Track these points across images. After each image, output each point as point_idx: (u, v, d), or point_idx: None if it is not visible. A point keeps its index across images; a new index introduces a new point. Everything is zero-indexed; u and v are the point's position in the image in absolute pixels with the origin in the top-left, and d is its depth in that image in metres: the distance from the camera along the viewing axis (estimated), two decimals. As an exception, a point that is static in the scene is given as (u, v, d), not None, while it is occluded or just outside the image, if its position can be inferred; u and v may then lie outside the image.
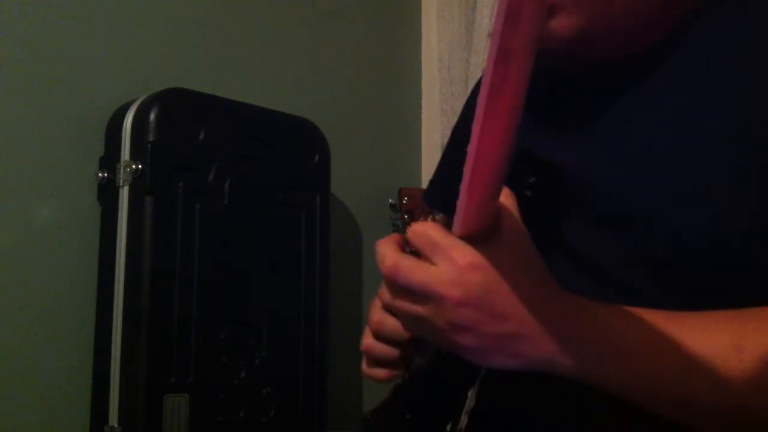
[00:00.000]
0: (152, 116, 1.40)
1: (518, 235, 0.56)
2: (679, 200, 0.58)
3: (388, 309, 0.71)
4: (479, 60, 1.90)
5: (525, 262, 0.55)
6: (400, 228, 1.87)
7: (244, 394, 1.46)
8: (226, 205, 1.48)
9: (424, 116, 2.14)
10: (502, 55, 0.42)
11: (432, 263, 0.55)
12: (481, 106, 0.45)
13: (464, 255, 0.53)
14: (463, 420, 0.65)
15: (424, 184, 1.00)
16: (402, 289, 0.57)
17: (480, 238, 0.54)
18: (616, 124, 0.64)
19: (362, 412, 1.84)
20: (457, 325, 0.54)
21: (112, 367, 1.37)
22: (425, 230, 0.56)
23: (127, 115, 1.43)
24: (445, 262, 0.54)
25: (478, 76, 1.87)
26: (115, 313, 1.38)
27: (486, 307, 0.54)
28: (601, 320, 0.55)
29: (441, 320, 0.55)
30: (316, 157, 1.66)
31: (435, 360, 0.66)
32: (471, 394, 0.66)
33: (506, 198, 0.56)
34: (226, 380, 1.44)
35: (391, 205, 1.90)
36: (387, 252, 0.58)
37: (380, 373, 0.72)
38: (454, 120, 1.47)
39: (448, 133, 1.62)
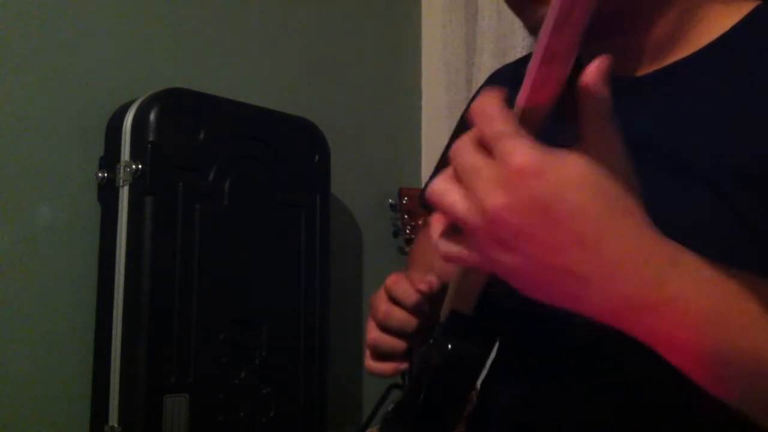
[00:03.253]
0: (152, 116, 1.40)
1: (609, 140, 0.47)
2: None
3: (394, 300, 0.71)
4: (481, 61, 1.90)
5: (606, 173, 0.44)
6: (400, 228, 1.87)
7: (244, 394, 1.46)
8: (226, 205, 1.48)
9: (424, 116, 2.14)
10: (547, 58, 0.43)
11: (489, 154, 0.44)
12: (521, 101, 0.46)
13: (521, 155, 0.43)
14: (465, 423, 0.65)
15: (424, 184, 1.00)
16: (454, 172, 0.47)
17: (545, 117, 0.46)
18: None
19: (362, 412, 1.84)
20: (496, 238, 0.44)
21: (112, 367, 1.36)
22: (487, 108, 0.45)
23: (127, 115, 1.43)
24: (497, 159, 0.44)
25: (481, 76, 1.88)
26: (115, 313, 1.38)
27: (536, 227, 0.43)
28: (698, 268, 0.45)
29: (482, 231, 0.44)
30: (316, 157, 1.66)
31: (446, 357, 0.65)
32: (473, 395, 0.66)
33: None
34: (226, 380, 1.44)
35: (391, 205, 1.90)
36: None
37: (386, 367, 0.72)
38: (454, 120, 1.47)
39: (448, 133, 1.62)
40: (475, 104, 0.46)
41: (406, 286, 0.71)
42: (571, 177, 0.43)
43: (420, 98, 2.14)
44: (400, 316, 0.69)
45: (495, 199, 0.43)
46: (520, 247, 0.44)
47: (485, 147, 0.45)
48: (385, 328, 0.71)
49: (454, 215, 0.45)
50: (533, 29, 0.67)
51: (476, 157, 0.44)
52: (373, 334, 0.72)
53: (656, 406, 0.61)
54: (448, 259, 0.48)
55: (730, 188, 0.56)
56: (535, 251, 0.43)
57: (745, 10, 0.62)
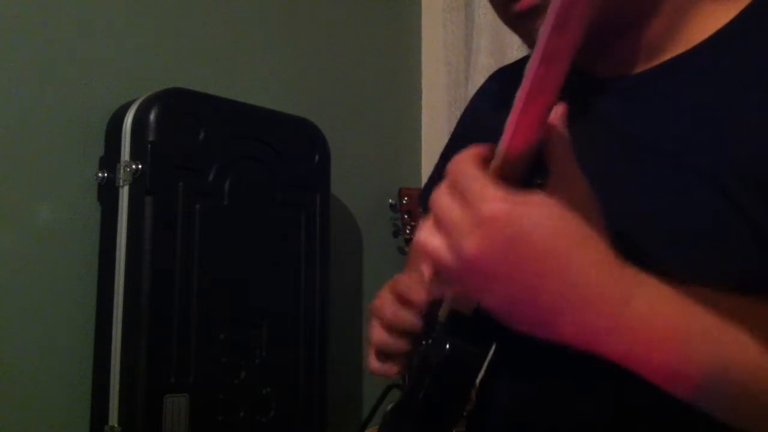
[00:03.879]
0: (152, 116, 1.40)
1: (575, 180, 0.51)
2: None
3: (401, 297, 0.71)
4: (477, 60, 1.90)
5: (565, 214, 0.47)
6: (400, 228, 1.87)
7: (244, 394, 1.46)
8: (226, 205, 1.48)
9: (424, 116, 2.14)
10: (546, 57, 0.45)
11: (462, 206, 0.48)
12: (519, 104, 0.47)
13: (490, 204, 0.46)
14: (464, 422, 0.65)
15: (424, 184, 1.00)
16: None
17: (525, 167, 0.49)
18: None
19: (362, 412, 1.84)
20: (475, 282, 0.48)
21: (112, 367, 1.36)
22: (459, 162, 0.50)
23: (127, 115, 1.43)
24: (469, 209, 0.47)
25: (478, 76, 1.88)
26: (115, 313, 1.38)
27: (507, 268, 0.46)
28: (663, 303, 0.48)
29: (462, 275, 0.49)
30: (316, 157, 1.66)
31: (444, 357, 0.65)
32: (472, 394, 0.66)
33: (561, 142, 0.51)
34: (226, 380, 1.44)
35: (391, 205, 1.90)
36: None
37: (392, 369, 0.72)
38: (454, 120, 1.47)
39: (448, 133, 1.62)
40: (452, 161, 0.50)
41: (419, 289, 0.71)
42: (538, 219, 0.46)
43: (420, 98, 2.14)
44: (409, 318, 0.70)
45: (469, 245, 0.46)
46: (494, 287, 0.48)
47: (459, 196, 0.48)
48: (392, 330, 0.71)
49: (437, 262, 0.49)
50: (531, 42, 0.68)
51: (452, 206, 0.48)
52: (380, 336, 0.71)
53: (655, 407, 0.61)
54: (438, 293, 0.55)
55: (731, 187, 0.56)
56: (508, 290, 0.47)
57: (740, 5, 0.62)
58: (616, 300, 0.46)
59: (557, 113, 0.51)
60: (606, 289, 0.46)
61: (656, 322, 0.47)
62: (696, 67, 0.62)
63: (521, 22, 0.67)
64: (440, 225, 0.49)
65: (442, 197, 0.50)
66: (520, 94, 0.47)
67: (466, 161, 0.49)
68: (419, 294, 0.70)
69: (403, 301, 0.70)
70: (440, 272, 0.51)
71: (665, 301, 0.48)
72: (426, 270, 0.53)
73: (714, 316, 0.48)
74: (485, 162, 0.50)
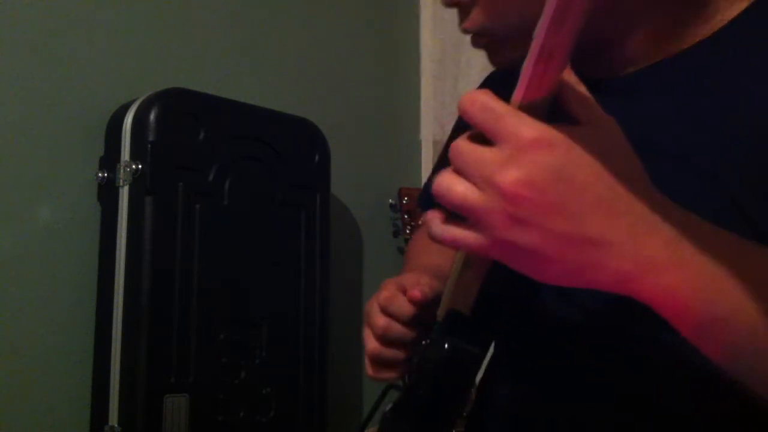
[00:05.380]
0: (152, 116, 1.40)
1: (604, 120, 0.47)
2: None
3: (385, 311, 0.71)
4: (471, 58, 1.90)
5: (612, 148, 0.45)
6: (400, 228, 1.87)
7: (244, 394, 1.46)
8: (226, 205, 1.48)
9: (423, 116, 2.13)
10: (544, 53, 0.43)
11: (491, 142, 0.44)
12: (518, 98, 0.46)
13: (529, 129, 0.43)
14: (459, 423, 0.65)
15: (424, 184, 1.00)
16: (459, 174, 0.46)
17: (542, 112, 0.46)
18: None
19: (362, 412, 1.84)
20: (514, 218, 0.43)
21: (112, 367, 1.36)
22: (482, 98, 0.45)
23: (127, 115, 1.43)
24: (504, 139, 0.43)
25: (470, 72, 1.88)
26: (115, 313, 1.38)
27: (555, 198, 0.42)
28: (711, 234, 0.46)
29: (497, 213, 0.43)
30: (316, 157, 1.66)
31: (443, 357, 0.65)
32: (470, 394, 0.66)
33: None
34: (226, 380, 1.44)
35: (391, 205, 1.89)
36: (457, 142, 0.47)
37: (389, 375, 0.72)
38: (453, 119, 1.47)
39: (447, 133, 1.62)
40: (467, 98, 0.45)
41: (400, 302, 0.70)
42: (582, 145, 0.43)
43: (420, 98, 2.14)
44: (399, 330, 0.70)
45: (510, 176, 0.42)
46: (539, 221, 0.43)
47: (485, 140, 0.44)
48: (384, 340, 0.71)
49: (465, 204, 0.44)
50: (499, 66, 0.69)
51: (478, 149, 0.44)
52: (372, 346, 0.71)
53: (654, 407, 0.61)
54: (455, 245, 0.47)
55: (731, 186, 0.56)
56: (555, 224, 0.43)
57: (743, 4, 0.61)
58: (666, 236, 0.44)
59: (570, 71, 0.48)
60: (656, 223, 0.44)
61: (701, 264, 0.44)
62: (694, 65, 0.62)
63: (493, 49, 0.67)
64: (467, 170, 0.44)
65: (463, 143, 0.45)
66: (518, 91, 0.46)
67: (483, 95, 0.45)
68: (407, 310, 0.70)
69: (393, 316, 0.70)
70: (465, 220, 0.45)
71: (711, 244, 0.45)
72: (434, 219, 0.47)
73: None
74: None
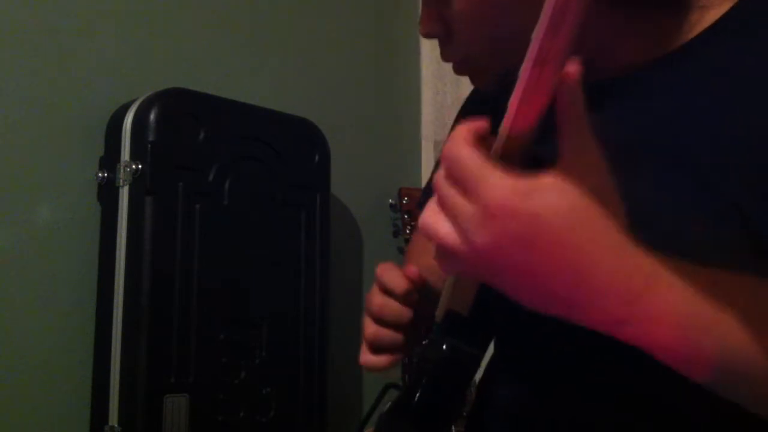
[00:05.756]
0: (152, 116, 1.40)
1: (588, 155, 0.48)
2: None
3: (386, 292, 0.71)
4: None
5: (578, 198, 0.45)
6: (400, 228, 1.87)
7: (244, 394, 1.46)
8: (226, 205, 1.48)
9: (423, 116, 2.13)
10: (539, 60, 0.44)
11: (468, 195, 0.46)
12: (513, 105, 0.47)
13: (496, 192, 0.44)
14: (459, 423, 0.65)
15: (424, 184, 1.00)
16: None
17: (528, 145, 0.47)
18: None
19: (361, 412, 1.84)
20: (487, 272, 0.47)
21: (112, 367, 1.37)
22: (456, 153, 0.47)
23: (127, 115, 1.43)
24: (474, 199, 0.45)
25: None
26: (115, 313, 1.38)
27: (521, 263, 0.45)
28: (686, 288, 0.47)
29: (472, 262, 0.47)
30: (316, 157, 1.66)
31: (441, 358, 0.66)
32: (468, 395, 0.66)
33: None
34: (226, 380, 1.44)
35: (391, 205, 1.89)
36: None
37: (382, 359, 0.72)
38: (453, 119, 1.47)
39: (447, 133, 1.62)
40: (444, 150, 0.48)
41: (395, 273, 0.72)
42: (548, 207, 0.44)
43: (420, 98, 2.14)
44: (395, 308, 0.70)
45: (479, 237, 0.45)
46: (507, 277, 0.46)
47: (460, 183, 0.47)
48: (381, 322, 0.71)
49: (445, 247, 0.47)
50: (484, 88, 0.70)
51: (455, 195, 0.47)
52: (371, 328, 0.72)
53: (654, 407, 0.61)
54: (448, 273, 0.52)
55: (730, 186, 0.56)
56: (522, 281, 0.46)
57: (726, 5, 0.61)
58: (630, 292, 0.45)
59: (572, 71, 0.48)
60: (620, 282, 0.45)
61: (670, 312, 0.46)
62: (687, 63, 0.61)
63: (477, 76, 0.70)
64: (445, 209, 0.47)
65: (442, 182, 0.48)
66: (515, 96, 0.47)
67: (460, 143, 0.47)
68: (402, 283, 0.71)
69: (388, 292, 0.71)
70: (449, 255, 0.49)
71: (678, 292, 0.47)
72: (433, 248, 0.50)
73: (719, 302, 0.48)
74: (482, 139, 0.48)
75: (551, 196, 0.44)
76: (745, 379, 0.49)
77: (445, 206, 0.47)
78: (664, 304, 0.46)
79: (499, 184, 0.44)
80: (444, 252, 0.49)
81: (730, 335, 0.47)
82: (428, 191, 0.96)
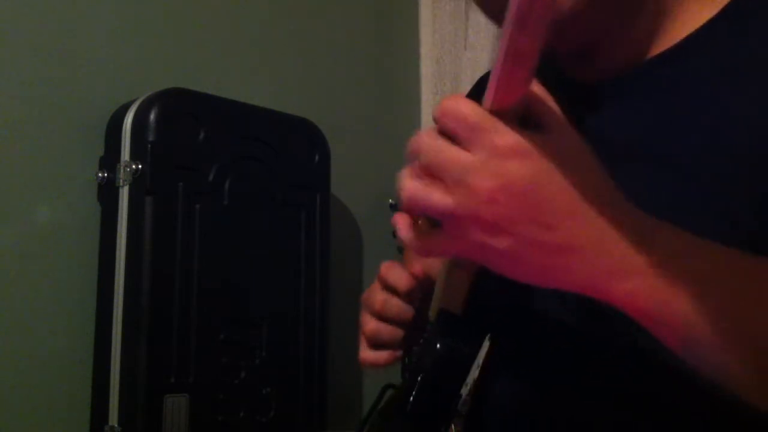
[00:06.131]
0: (152, 116, 1.40)
1: (567, 128, 0.47)
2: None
3: (388, 288, 0.71)
4: (474, 56, 1.90)
5: (578, 158, 0.46)
6: (400, 228, 1.86)
7: (244, 394, 1.46)
8: (226, 205, 1.48)
9: (423, 116, 2.13)
10: (510, 57, 0.44)
11: (465, 148, 0.45)
12: (488, 102, 0.46)
13: (504, 137, 0.44)
14: (457, 422, 0.65)
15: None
16: (428, 171, 0.46)
17: (514, 119, 0.46)
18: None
19: (362, 412, 1.84)
20: (489, 223, 0.44)
21: (112, 367, 1.36)
22: (456, 106, 0.45)
23: (127, 115, 1.43)
24: (479, 146, 0.44)
25: (469, 73, 1.88)
26: (115, 313, 1.38)
27: (528, 206, 0.44)
28: (675, 239, 0.48)
29: (471, 219, 0.45)
30: (316, 157, 1.66)
31: (436, 357, 0.66)
32: (464, 394, 0.66)
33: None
34: (226, 380, 1.44)
35: (391, 205, 1.89)
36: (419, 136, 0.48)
37: (382, 356, 0.72)
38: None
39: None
40: (441, 106, 0.46)
41: (399, 271, 0.72)
42: (556, 155, 0.44)
43: (420, 98, 2.14)
44: (397, 305, 0.70)
45: (486, 183, 0.43)
46: (512, 228, 0.44)
47: (466, 133, 0.45)
48: (382, 318, 0.71)
49: (438, 210, 0.45)
50: (493, 17, 0.67)
51: (452, 149, 0.45)
52: (371, 324, 0.72)
53: (652, 405, 0.61)
54: (427, 253, 0.49)
55: (717, 186, 0.56)
56: (527, 230, 0.44)
57: (723, 1, 0.61)
58: (636, 241, 0.45)
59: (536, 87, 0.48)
60: (627, 229, 0.45)
61: (673, 266, 0.46)
62: (678, 64, 0.61)
63: None
64: (438, 169, 0.45)
65: (432, 142, 0.46)
66: (487, 94, 0.46)
67: (458, 99, 0.46)
68: (406, 280, 0.71)
69: (390, 288, 0.71)
70: (444, 227, 0.46)
71: (682, 249, 0.47)
72: (403, 226, 0.48)
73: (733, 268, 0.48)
74: None
75: (554, 146, 0.45)
76: (719, 349, 0.48)
77: (438, 166, 0.45)
78: (672, 254, 0.46)
79: (506, 131, 0.44)
80: (437, 223, 0.47)
81: (706, 303, 0.47)
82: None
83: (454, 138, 0.45)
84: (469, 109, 0.45)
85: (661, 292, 0.46)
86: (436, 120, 0.47)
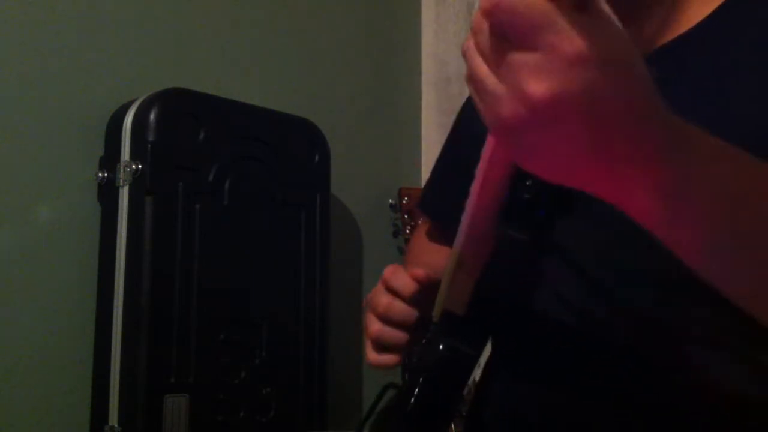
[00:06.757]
0: (152, 116, 1.40)
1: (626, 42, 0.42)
2: None
3: (388, 286, 0.71)
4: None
5: (638, 56, 0.42)
6: (400, 228, 1.87)
7: (244, 394, 1.46)
8: (226, 205, 1.48)
9: (424, 116, 2.13)
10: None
11: (528, 46, 0.40)
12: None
13: (572, 42, 0.39)
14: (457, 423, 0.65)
15: (424, 184, 1.00)
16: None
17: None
18: None
19: (362, 412, 1.84)
20: (526, 120, 0.41)
21: (112, 367, 1.37)
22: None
23: (127, 115, 1.43)
24: (542, 46, 0.39)
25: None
26: (115, 313, 1.38)
27: (588, 116, 0.40)
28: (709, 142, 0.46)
29: (513, 112, 0.41)
30: (316, 157, 1.66)
31: (438, 358, 0.66)
32: (465, 394, 0.66)
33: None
34: (226, 380, 1.44)
35: (391, 205, 1.89)
36: None
37: (390, 359, 0.72)
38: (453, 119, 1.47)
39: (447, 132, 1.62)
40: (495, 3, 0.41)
41: (403, 276, 0.72)
42: (614, 68, 0.40)
43: (420, 98, 2.14)
44: (402, 308, 0.70)
45: (542, 85, 0.40)
46: (548, 131, 0.41)
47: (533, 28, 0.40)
48: (387, 321, 0.71)
49: (487, 89, 0.43)
50: None
51: (509, 49, 0.41)
52: (376, 327, 0.72)
53: (650, 405, 0.61)
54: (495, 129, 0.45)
55: None
56: (562, 140, 0.42)
57: None
58: (674, 147, 0.43)
59: None
60: (667, 138, 0.43)
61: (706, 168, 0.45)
62: (691, 50, 0.62)
63: None
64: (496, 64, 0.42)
65: (487, 40, 0.42)
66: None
67: None
68: (410, 284, 0.71)
69: (394, 291, 0.71)
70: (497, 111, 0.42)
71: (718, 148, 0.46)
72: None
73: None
74: None
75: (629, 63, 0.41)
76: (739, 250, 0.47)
77: (497, 60, 0.41)
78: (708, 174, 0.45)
79: (575, 37, 0.39)
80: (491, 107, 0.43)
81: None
82: (428, 193, 0.95)
83: (514, 35, 0.41)
84: (531, 2, 0.40)
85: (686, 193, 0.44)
86: (487, 14, 0.42)
